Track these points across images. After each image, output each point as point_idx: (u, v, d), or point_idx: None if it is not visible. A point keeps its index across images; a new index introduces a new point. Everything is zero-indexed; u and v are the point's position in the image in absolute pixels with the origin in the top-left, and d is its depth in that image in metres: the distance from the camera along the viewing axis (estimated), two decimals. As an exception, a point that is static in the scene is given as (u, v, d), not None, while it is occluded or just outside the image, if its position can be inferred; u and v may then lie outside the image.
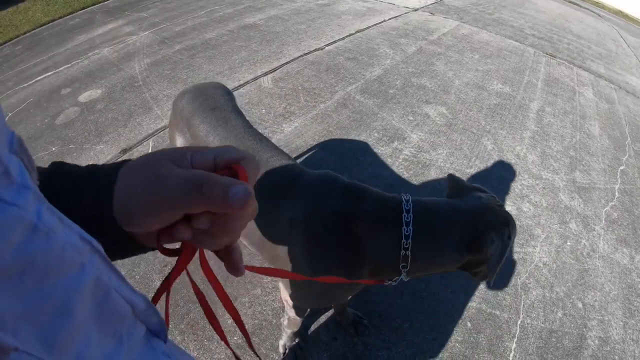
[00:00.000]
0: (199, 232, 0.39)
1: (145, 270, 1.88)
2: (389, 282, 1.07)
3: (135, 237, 0.41)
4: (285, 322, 1.49)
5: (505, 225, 1.00)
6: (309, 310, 1.66)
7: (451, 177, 1.18)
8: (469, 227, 0.98)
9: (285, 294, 1.30)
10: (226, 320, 1.70)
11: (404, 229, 0.97)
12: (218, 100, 1.39)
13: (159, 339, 0.43)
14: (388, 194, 1.09)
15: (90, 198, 0.39)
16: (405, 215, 0.98)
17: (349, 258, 1.02)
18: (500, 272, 2.02)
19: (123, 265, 1.89)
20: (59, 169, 0.42)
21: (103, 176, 0.40)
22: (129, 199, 0.38)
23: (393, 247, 0.99)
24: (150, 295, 0.40)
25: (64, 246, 0.27)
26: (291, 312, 1.36)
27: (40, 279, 0.25)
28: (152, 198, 0.36)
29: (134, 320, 0.37)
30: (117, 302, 0.34)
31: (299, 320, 1.43)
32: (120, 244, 0.41)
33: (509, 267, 2.08)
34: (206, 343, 1.63)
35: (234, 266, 0.45)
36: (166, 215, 0.37)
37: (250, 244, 1.22)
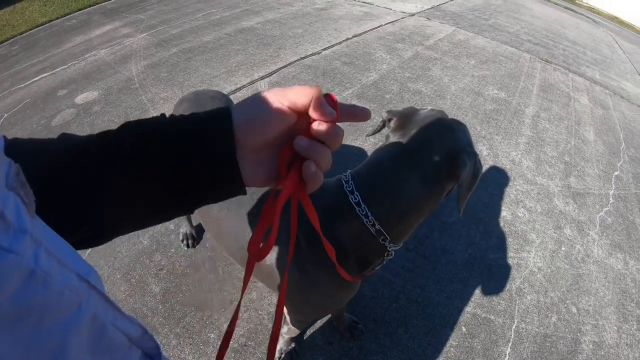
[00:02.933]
0: (312, 143, 0.47)
1: (141, 273, 1.88)
2: (386, 259, 1.02)
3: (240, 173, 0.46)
4: (285, 330, 1.49)
5: (470, 144, 0.94)
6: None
7: (389, 114, 1.06)
8: (428, 160, 0.92)
9: (285, 308, 1.30)
10: (222, 324, 1.71)
11: (359, 210, 0.92)
12: None
13: None
14: (330, 180, 1.02)
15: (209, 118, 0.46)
16: (351, 198, 0.93)
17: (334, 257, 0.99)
18: (495, 277, 2.03)
19: (119, 268, 1.89)
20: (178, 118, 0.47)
21: (217, 111, 0.47)
22: (253, 108, 0.46)
23: (360, 231, 0.94)
24: (154, 323, 0.41)
25: (61, 290, 0.26)
26: (292, 324, 1.36)
27: (36, 324, 0.24)
28: (277, 99, 0.45)
29: (129, 346, 0.37)
30: (113, 336, 0.34)
31: (298, 330, 1.43)
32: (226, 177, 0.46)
33: (504, 272, 2.09)
34: (202, 347, 1.63)
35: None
36: (288, 115, 0.45)
37: (240, 261, 1.22)
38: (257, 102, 0.45)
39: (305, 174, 0.47)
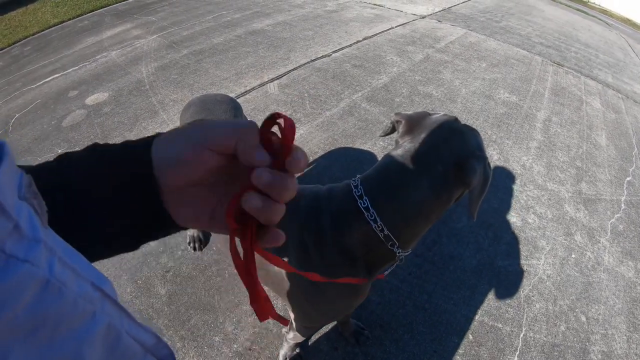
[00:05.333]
0: (263, 200, 0.39)
1: (147, 275, 1.89)
2: (396, 264, 1.01)
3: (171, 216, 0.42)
4: (291, 336, 1.48)
5: (480, 149, 0.93)
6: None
7: (396, 116, 1.06)
8: (438, 165, 0.91)
9: (292, 315, 1.30)
10: (227, 328, 1.71)
11: (367, 215, 0.91)
12: (219, 117, 1.39)
13: None
14: (339, 185, 1.02)
15: (129, 161, 0.40)
16: (360, 202, 0.92)
17: (342, 264, 0.98)
18: (504, 284, 2.01)
19: (126, 269, 1.90)
20: (94, 150, 0.42)
21: (137, 146, 0.41)
22: (172, 148, 0.39)
23: (369, 236, 0.93)
24: (159, 325, 0.40)
25: (76, 299, 0.27)
26: (297, 331, 1.36)
27: (52, 333, 0.24)
28: (197, 140, 0.38)
29: (144, 354, 0.37)
30: (128, 344, 0.34)
31: (304, 337, 1.42)
32: (156, 220, 0.42)
33: (512, 279, 2.07)
34: (206, 350, 1.63)
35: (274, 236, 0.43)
36: (210, 157, 0.38)
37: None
38: (177, 139, 0.40)
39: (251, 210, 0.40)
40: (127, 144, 0.42)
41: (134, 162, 0.40)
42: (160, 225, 0.43)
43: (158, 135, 0.42)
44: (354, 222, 0.94)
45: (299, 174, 0.37)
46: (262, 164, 0.37)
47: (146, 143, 0.41)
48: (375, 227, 0.92)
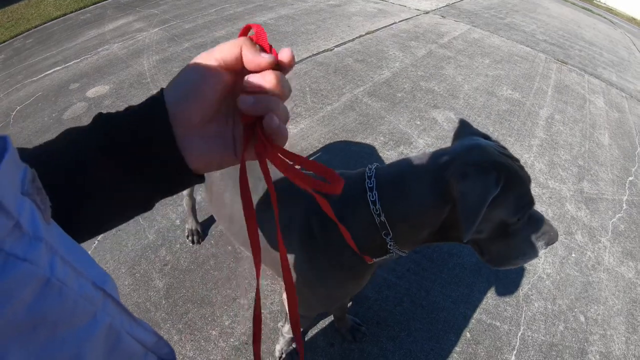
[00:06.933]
0: (258, 97, 0.42)
1: (145, 268, 1.88)
2: (388, 255, 1.00)
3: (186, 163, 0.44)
4: (286, 329, 1.48)
5: (493, 165, 0.84)
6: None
7: (460, 122, 1.09)
8: (442, 168, 0.87)
9: (286, 306, 1.29)
10: (224, 322, 1.71)
11: (369, 195, 0.92)
12: None
13: None
14: (353, 171, 1.04)
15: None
16: (367, 182, 0.94)
17: (347, 250, 0.98)
18: (503, 282, 2.00)
19: (125, 261, 1.90)
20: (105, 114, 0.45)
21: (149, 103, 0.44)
22: (182, 78, 0.42)
23: (368, 219, 0.94)
24: (156, 318, 0.40)
25: (76, 299, 0.26)
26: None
27: (51, 333, 0.24)
28: (205, 64, 0.41)
29: (144, 353, 0.37)
30: (128, 344, 0.34)
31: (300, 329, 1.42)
32: (172, 171, 0.44)
33: (512, 278, 2.06)
34: (203, 343, 1.63)
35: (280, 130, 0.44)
36: (218, 74, 0.42)
37: (250, 250, 1.22)
38: (185, 71, 0.42)
39: (269, 128, 0.42)
40: (136, 106, 0.45)
41: (150, 114, 0.43)
42: (174, 173, 0.44)
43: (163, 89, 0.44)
44: (359, 203, 0.95)
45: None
46: (271, 64, 0.41)
47: (155, 98, 0.43)
48: (373, 209, 0.92)
